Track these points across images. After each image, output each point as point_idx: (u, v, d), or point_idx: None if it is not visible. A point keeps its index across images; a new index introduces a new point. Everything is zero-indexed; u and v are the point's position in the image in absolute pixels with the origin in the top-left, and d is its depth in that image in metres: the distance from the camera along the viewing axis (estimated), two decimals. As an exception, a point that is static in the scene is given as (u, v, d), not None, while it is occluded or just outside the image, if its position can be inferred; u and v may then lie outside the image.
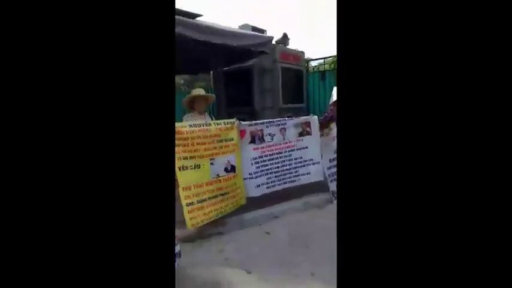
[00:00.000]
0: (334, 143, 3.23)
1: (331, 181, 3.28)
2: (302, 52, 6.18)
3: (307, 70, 6.52)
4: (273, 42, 4.76)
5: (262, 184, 3.04)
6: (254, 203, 2.96)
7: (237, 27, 4.80)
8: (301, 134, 3.24)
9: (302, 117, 3.33)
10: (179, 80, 10.66)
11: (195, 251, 2.25)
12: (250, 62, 5.22)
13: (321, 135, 3.25)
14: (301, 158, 3.23)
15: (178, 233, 1.88)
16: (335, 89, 3.29)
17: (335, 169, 3.30)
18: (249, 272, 1.90)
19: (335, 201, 3.12)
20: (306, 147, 3.24)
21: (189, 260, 1.99)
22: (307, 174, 3.25)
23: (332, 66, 6.52)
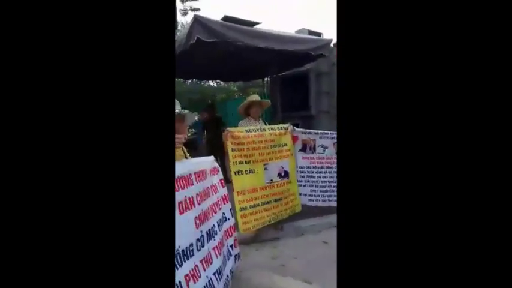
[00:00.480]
0: None
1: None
2: (361, 54, 5.88)
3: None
4: (331, 45, 4.62)
5: (305, 194, 2.92)
6: (310, 211, 2.86)
7: (294, 32, 4.79)
8: None
9: None
10: (232, 86, 10.99)
11: (250, 255, 2.25)
12: (307, 66, 5.14)
13: None
14: None
15: (236, 235, 1.90)
16: None
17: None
18: (309, 283, 1.82)
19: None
20: None
21: (243, 264, 1.98)
22: None
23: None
